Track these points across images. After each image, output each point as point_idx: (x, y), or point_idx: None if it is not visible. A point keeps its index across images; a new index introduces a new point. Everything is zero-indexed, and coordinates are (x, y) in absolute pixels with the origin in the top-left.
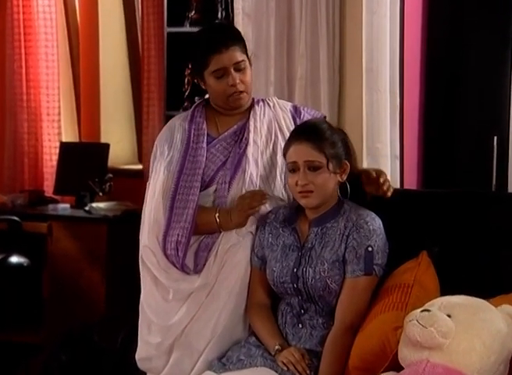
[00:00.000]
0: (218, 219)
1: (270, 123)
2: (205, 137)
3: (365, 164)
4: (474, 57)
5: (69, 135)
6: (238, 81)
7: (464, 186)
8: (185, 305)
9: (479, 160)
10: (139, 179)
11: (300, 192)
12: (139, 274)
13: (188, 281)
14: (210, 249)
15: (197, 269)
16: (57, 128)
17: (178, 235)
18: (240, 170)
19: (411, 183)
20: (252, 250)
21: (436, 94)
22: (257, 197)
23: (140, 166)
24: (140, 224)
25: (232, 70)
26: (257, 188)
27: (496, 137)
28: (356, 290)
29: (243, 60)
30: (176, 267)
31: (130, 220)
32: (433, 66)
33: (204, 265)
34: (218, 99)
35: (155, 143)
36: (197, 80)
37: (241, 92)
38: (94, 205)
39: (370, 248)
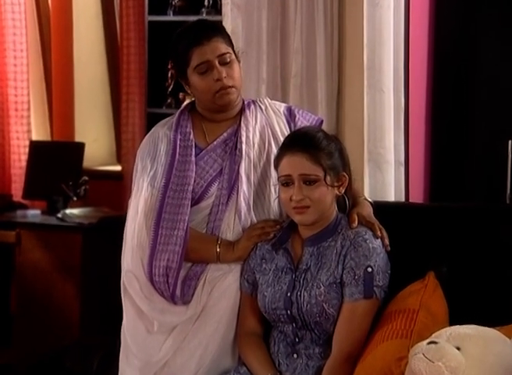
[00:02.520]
0: (218, 249)
1: (263, 130)
2: (193, 150)
3: (367, 171)
4: (486, 53)
5: (40, 133)
6: (224, 75)
7: (476, 195)
8: (170, 338)
9: (492, 167)
10: (118, 181)
11: (294, 208)
12: (116, 288)
13: (174, 313)
14: (198, 277)
15: (185, 300)
16: (26, 125)
17: (168, 260)
18: (235, 190)
19: (417, 192)
20: (242, 275)
21: (445, 94)
22: (270, 223)
23: (118, 168)
24: (118, 233)
25: (216, 63)
26: (251, 206)
27: (510, 142)
28: (355, 315)
29: (228, 52)
30: (163, 296)
31: (108, 228)
32: (442, 62)
33: (193, 295)
34: (204, 99)
35: (137, 155)
36: (182, 82)
37: (229, 87)
38: (68, 211)
39: (369, 269)
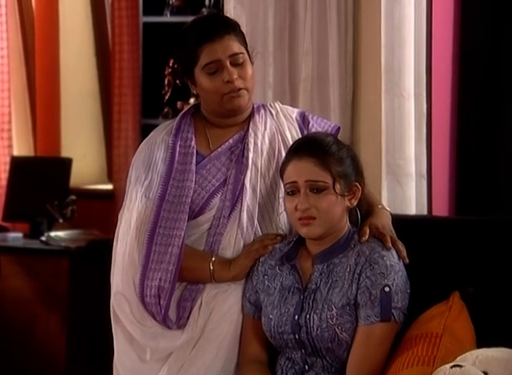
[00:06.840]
0: (212, 267)
1: (273, 137)
2: (194, 157)
3: (385, 185)
4: None
5: (22, 148)
6: (236, 76)
7: (506, 212)
8: (165, 367)
9: None
10: (108, 201)
11: (300, 219)
12: (107, 320)
13: (169, 338)
14: (194, 298)
15: (180, 324)
16: (7, 139)
17: (160, 279)
18: (239, 202)
19: (441, 208)
20: (244, 294)
21: (472, 98)
22: (270, 236)
23: (109, 186)
24: (109, 259)
25: (227, 64)
26: (255, 220)
27: None
28: (371, 340)
29: (241, 53)
30: (156, 319)
31: (97, 253)
32: (468, 64)
33: (188, 317)
34: (211, 102)
35: (131, 163)
36: (187, 82)
37: (240, 90)
38: (53, 234)
39: (387, 288)
